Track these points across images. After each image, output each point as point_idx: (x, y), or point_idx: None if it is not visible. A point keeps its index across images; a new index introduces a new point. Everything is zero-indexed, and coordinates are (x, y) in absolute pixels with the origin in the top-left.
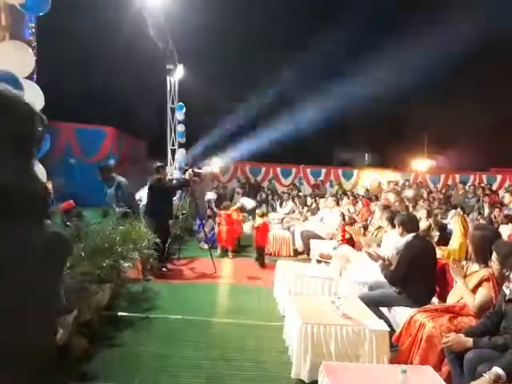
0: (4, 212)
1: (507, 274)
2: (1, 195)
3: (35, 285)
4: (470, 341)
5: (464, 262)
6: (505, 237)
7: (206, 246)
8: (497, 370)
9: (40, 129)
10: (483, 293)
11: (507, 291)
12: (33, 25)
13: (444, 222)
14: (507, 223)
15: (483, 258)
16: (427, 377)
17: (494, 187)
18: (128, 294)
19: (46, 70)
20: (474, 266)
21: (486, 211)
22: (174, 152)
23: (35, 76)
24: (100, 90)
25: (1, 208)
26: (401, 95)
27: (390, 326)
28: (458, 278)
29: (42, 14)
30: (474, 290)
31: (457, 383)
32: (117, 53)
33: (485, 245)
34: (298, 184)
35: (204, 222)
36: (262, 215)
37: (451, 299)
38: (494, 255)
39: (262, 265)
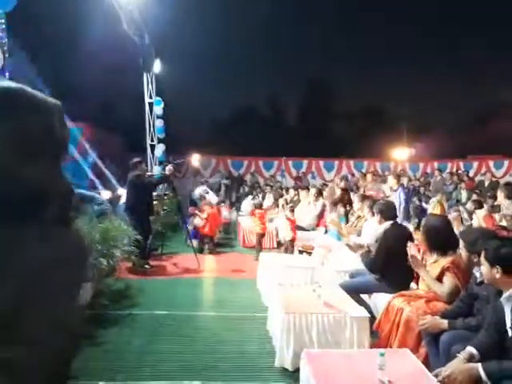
0: (37, 215)
1: (476, 260)
2: (34, 197)
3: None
4: (445, 322)
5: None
6: (480, 219)
7: (193, 243)
8: (470, 349)
9: (62, 129)
10: (448, 281)
11: (478, 274)
12: (2, 21)
13: (424, 207)
14: (479, 208)
15: (438, 248)
16: (405, 359)
17: (471, 174)
18: (111, 292)
19: (18, 65)
20: (433, 256)
21: (464, 197)
22: (153, 147)
23: (7, 73)
24: (75, 85)
25: (35, 211)
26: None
27: (370, 312)
28: (421, 271)
29: (7, 10)
30: (439, 278)
31: (433, 363)
32: (92, 47)
33: (438, 235)
34: (280, 177)
35: (186, 219)
36: (210, 205)
37: (421, 288)
38: (462, 243)
39: (210, 252)
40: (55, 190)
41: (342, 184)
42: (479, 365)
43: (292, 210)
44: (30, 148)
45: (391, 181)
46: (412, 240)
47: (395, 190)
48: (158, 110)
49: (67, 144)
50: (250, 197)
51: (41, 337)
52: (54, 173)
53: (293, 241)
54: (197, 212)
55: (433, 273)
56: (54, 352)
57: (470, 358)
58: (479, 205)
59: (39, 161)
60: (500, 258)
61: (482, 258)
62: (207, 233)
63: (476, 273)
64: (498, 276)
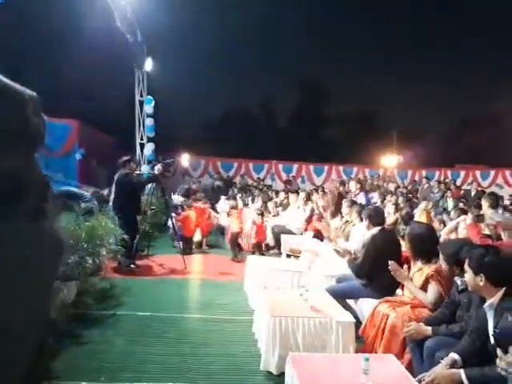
0: (12, 208)
1: (457, 271)
2: (8, 190)
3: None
4: (429, 329)
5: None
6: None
7: (178, 245)
8: (453, 355)
9: (37, 119)
10: (432, 289)
11: (459, 282)
12: None
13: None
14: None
15: (423, 256)
16: (389, 364)
17: (458, 183)
18: (95, 291)
19: (6, 59)
20: (418, 264)
21: (450, 206)
22: (142, 146)
23: None
24: (66, 82)
25: (9, 204)
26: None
27: (356, 317)
28: (405, 282)
29: None
30: (424, 287)
31: (417, 369)
32: (84, 44)
33: (423, 243)
34: (270, 180)
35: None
36: (189, 207)
37: (407, 294)
38: (441, 256)
39: (186, 253)
40: (30, 182)
41: (341, 189)
42: (462, 371)
43: (260, 214)
44: (2, 137)
45: (352, 185)
46: (400, 245)
47: (356, 195)
48: (149, 108)
49: (43, 136)
50: (224, 197)
51: (12, 333)
52: (29, 164)
53: (258, 243)
54: (173, 215)
55: (417, 281)
56: (27, 348)
57: (453, 364)
58: (464, 214)
59: (13, 151)
60: (483, 266)
61: (466, 266)
62: (184, 234)
63: (457, 281)
64: (481, 284)
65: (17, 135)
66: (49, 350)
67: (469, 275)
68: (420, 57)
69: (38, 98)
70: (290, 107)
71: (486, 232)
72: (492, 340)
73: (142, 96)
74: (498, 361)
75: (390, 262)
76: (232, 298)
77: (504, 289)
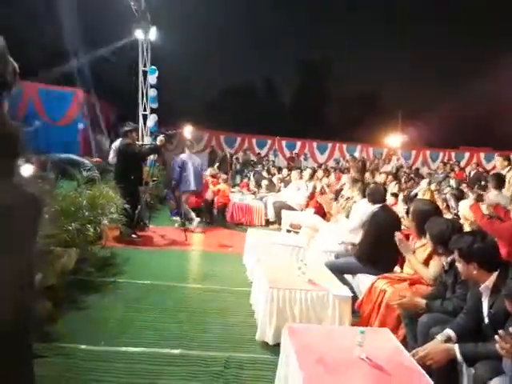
0: None
1: (441, 251)
2: None
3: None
4: (423, 301)
5: None
6: (464, 210)
7: (177, 218)
8: (448, 331)
9: (6, 65)
10: (435, 265)
11: (444, 263)
12: None
13: (414, 191)
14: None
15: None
16: (384, 338)
17: (462, 164)
18: (96, 259)
19: (8, 23)
20: (422, 240)
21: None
22: (145, 117)
23: None
24: (68, 49)
25: None
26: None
27: (353, 292)
28: (408, 255)
29: None
30: (426, 262)
31: (411, 345)
32: (88, 10)
33: (427, 219)
34: (272, 156)
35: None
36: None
37: (406, 271)
38: (428, 235)
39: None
40: None
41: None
42: (456, 345)
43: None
44: None
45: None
46: (399, 223)
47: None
48: (152, 79)
49: (8, 82)
50: (210, 169)
51: None
52: None
53: (218, 207)
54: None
55: (420, 257)
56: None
57: (448, 340)
58: (461, 194)
59: None
60: (474, 254)
61: (457, 257)
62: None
63: (443, 261)
64: (475, 272)
65: None
66: (35, 313)
67: (461, 265)
68: (428, 36)
69: (2, 40)
70: (294, 84)
71: (487, 213)
72: (486, 320)
73: (145, 66)
74: (496, 337)
75: (396, 233)
76: (231, 270)
77: (498, 271)
